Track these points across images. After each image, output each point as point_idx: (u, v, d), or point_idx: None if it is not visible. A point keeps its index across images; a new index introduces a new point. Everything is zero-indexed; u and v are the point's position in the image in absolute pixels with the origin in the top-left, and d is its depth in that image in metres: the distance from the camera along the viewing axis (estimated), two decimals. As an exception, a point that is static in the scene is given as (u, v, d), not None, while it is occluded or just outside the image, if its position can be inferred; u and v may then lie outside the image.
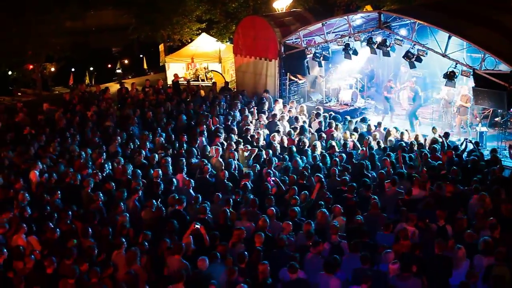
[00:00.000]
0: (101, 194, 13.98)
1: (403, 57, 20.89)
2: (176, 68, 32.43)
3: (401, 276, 10.21)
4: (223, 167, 16.25)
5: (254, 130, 19.41)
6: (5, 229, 12.58)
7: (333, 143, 17.75)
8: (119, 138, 18.12)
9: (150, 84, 26.14)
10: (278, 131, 18.91)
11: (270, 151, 16.96)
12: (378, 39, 21.59)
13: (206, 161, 16.31)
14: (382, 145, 17.89)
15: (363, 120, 20.98)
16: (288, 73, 25.06)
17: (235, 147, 17.47)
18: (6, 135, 19.05)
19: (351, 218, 12.74)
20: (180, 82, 28.12)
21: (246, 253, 11.11)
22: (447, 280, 10.74)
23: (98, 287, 10.40)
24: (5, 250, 11.54)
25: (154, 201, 13.56)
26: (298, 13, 27.83)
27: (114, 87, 28.34)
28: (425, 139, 18.70)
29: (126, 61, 46.75)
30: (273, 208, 13.07)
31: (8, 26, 33.01)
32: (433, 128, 19.11)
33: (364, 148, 17.47)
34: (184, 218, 13.10)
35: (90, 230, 12.29)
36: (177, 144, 18.12)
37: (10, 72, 37.19)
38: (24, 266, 11.23)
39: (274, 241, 11.84)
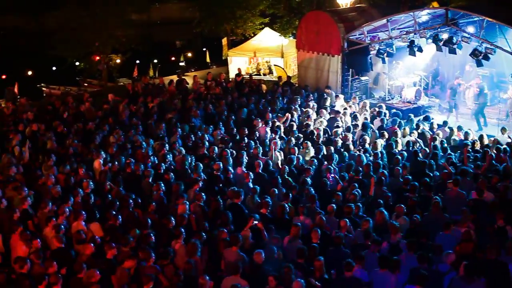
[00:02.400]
0: (162, 184, 14.19)
1: (470, 55, 20.39)
2: (238, 62, 32.55)
3: (464, 278, 9.97)
4: (283, 162, 16.25)
5: (315, 125, 19.30)
6: (66, 215, 12.94)
7: (397, 141, 17.48)
8: (179, 130, 18.34)
9: (212, 78, 26.33)
10: (338, 127, 18.75)
11: (331, 147, 16.85)
12: (445, 36, 21.14)
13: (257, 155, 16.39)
14: (445, 145, 17.49)
15: (426, 118, 20.59)
16: (350, 69, 24.81)
17: (295, 142, 17.41)
18: (73, 125, 19.53)
19: (411, 218, 12.53)
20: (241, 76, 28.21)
21: (305, 248, 11.09)
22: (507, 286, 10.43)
23: (155, 273, 10.54)
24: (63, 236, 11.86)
25: (203, 194, 13.70)
26: (363, 9, 27.50)
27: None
28: (493, 140, 18.11)
29: (189, 54, 47.18)
30: (333, 205, 12.98)
31: (79, 17, 33.91)
32: (503, 128, 18.55)
33: (426, 147, 17.14)
34: (241, 211, 13.15)
35: (149, 220, 12.48)
36: (238, 138, 18.19)
37: (77, 63, 38.12)
38: (84, 252, 11.50)
39: (330, 238, 11.79)
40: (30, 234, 12.03)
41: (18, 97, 26.92)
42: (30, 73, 41.46)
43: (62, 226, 12.22)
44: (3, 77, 39.27)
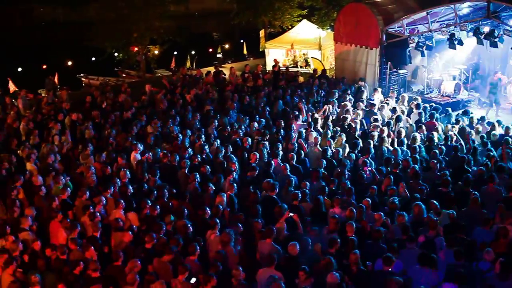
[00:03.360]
0: (197, 175, 14.27)
1: (512, 48, 20.01)
2: (275, 54, 32.50)
3: (500, 275, 9.80)
4: (319, 155, 16.19)
5: (351, 118, 19.17)
6: (103, 204, 13.11)
7: (434, 135, 17.24)
8: (216, 121, 18.40)
9: (249, 69, 26.34)
10: (376, 120, 18.58)
11: (368, 141, 16.70)
12: (486, 29, 20.76)
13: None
14: (485, 140, 17.19)
15: (466, 113, 20.24)
16: (388, 62, 24.54)
17: (331, 135, 17.32)
18: (111, 115, 19.75)
19: (447, 212, 12.36)
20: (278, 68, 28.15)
21: (338, 239, 11.04)
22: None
23: (194, 267, 10.62)
24: (99, 225, 12.01)
25: (235, 185, 13.72)
26: (402, 1, 27.07)
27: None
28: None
29: (226, 46, 47.29)
30: (368, 199, 12.89)
31: (118, 8, 34.27)
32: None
33: (464, 142, 16.88)
34: (275, 203, 13.13)
35: (185, 210, 12.56)
36: (274, 129, 18.17)
37: (116, 54, 38.54)
38: (122, 241, 11.63)
39: (366, 231, 11.70)
40: (70, 222, 12.23)
41: (58, 87, 27.36)
42: (70, 63, 42.07)
43: (98, 214, 12.38)
44: (44, 67, 39.91)
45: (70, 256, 11.17)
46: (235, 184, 13.86)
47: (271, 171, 14.91)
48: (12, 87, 27.84)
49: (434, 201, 12.57)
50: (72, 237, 11.61)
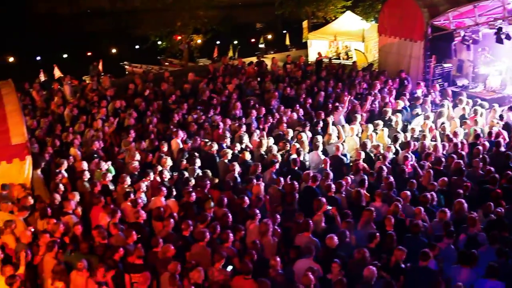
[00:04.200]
0: (237, 165, 14.32)
1: (562, 44, 19.49)
2: (318, 45, 32.35)
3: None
4: (359, 147, 16.09)
5: (393, 112, 18.96)
6: (143, 191, 13.27)
7: (477, 130, 16.94)
8: (254, 111, 18.43)
9: (292, 60, 26.27)
10: (418, 115, 18.35)
11: (409, 135, 16.53)
12: (535, 23, 20.27)
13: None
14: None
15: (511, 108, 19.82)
16: (433, 56, 24.16)
17: (373, 128, 17.17)
18: (153, 103, 19.96)
19: (493, 210, 12.14)
20: (321, 59, 28.02)
21: (377, 234, 10.98)
22: None
23: (231, 255, 10.68)
24: (142, 212, 12.16)
25: (281, 178, 13.69)
26: (449, -6, 26.68)
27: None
28: None
29: (269, 37, 47.20)
30: (408, 192, 12.76)
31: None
32: None
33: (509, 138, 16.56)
34: (316, 195, 13.12)
35: (225, 199, 12.62)
36: (314, 121, 18.10)
37: (159, 42, 38.85)
38: (163, 228, 11.77)
39: (405, 225, 11.61)
40: (112, 207, 12.43)
41: (102, 74, 27.73)
42: (114, 51, 42.58)
43: (140, 201, 12.54)
44: (89, 54, 40.49)
45: (111, 241, 11.36)
46: (275, 176, 13.85)
47: (309, 162, 14.90)
48: (57, 73, 28.37)
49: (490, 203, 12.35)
50: (113, 222, 11.80)
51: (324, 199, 12.28)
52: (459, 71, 25.17)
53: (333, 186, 13.03)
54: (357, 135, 16.94)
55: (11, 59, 39.89)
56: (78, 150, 15.96)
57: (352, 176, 14.04)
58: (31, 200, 13.07)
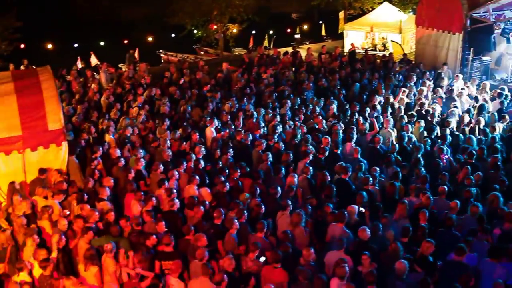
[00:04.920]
0: (270, 155, 14.31)
1: None
2: (354, 36, 32.09)
3: None
4: (393, 139, 15.95)
5: (429, 104, 18.73)
6: (176, 179, 13.34)
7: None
8: (289, 102, 18.37)
9: (327, 51, 26.11)
10: (455, 107, 18.09)
11: (445, 128, 16.31)
12: None
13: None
14: None
15: (551, 103, 19.39)
16: (471, 48, 23.77)
17: (407, 120, 16.97)
18: (187, 91, 20.05)
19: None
20: (357, 51, 27.79)
21: (410, 227, 10.88)
22: None
23: (264, 246, 10.70)
24: (176, 200, 12.23)
25: (311, 168, 13.63)
26: (489, -15, 26.19)
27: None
28: None
29: (305, 27, 46.93)
30: (444, 186, 12.60)
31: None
32: None
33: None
34: (348, 186, 13.04)
35: (257, 189, 12.63)
36: (349, 113, 17.98)
37: (195, 31, 38.97)
38: (195, 215, 11.84)
39: (439, 219, 11.48)
40: (144, 195, 12.53)
41: (138, 61, 27.96)
42: (150, 39, 42.84)
43: (174, 190, 12.62)
44: (125, 42, 40.82)
45: (144, 228, 11.47)
46: (310, 167, 13.83)
47: (343, 154, 14.82)
48: (94, 60, 28.70)
49: None
50: (147, 209, 11.90)
51: (363, 193, 12.20)
52: (498, 64, 24.74)
53: (370, 179, 12.92)
54: (392, 127, 16.75)
55: (49, 46, 40.44)
56: (113, 137, 16.13)
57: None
58: (66, 185, 13.28)
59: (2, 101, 14.02)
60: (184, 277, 10.55)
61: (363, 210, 11.98)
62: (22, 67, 24.25)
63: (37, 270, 10.50)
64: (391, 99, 18.83)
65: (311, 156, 14.35)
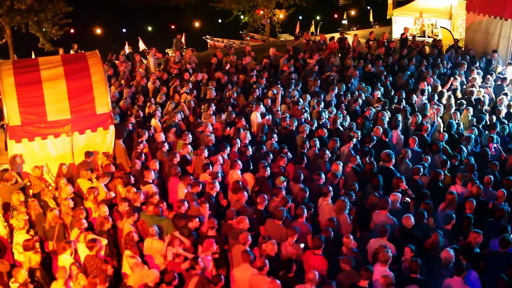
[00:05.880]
0: (317, 141, 14.26)
1: None
2: (403, 22, 31.53)
3: None
4: (441, 128, 15.70)
5: (479, 92, 18.34)
6: (220, 163, 13.41)
7: None
8: (336, 88, 18.25)
9: (375, 37, 25.79)
10: (506, 95, 17.67)
11: (495, 116, 15.97)
12: None
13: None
14: None
15: None
16: None
17: (456, 109, 16.67)
18: (233, 76, 20.09)
19: None
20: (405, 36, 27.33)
21: (453, 215, 10.73)
22: None
23: (304, 231, 10.69)
24: (217, 183, 12.29)
25: (358, 157, 13.54)
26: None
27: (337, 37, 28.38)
28: None
29: (352, 13, 46.47)
30: (491, 176, 12.36)
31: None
32: None
33: None
34: (392, 175, 12.90)
35: (301, 174, 12.59)
36: (395, 100, 17.75)
37: (242, 17, 38.92)
38: (237, 201, 11.90)
39: (487, 209, 11.28)
40: (192, 179, 12.64)
41: (185, 47, 28.10)
42: (197, 24, 43.00)
43: (219, 174, 12.70)
44: (172, 27, 41.07)
45: (188, 212, 11.58)
46: (353, 152, 13.72)
47: (389, 141, 14.68)
48: (141, 45, 28.97)
49: None
50: (191, 192, 12.01)
51: (403, 179, 12.06)
52: (552, 52, 24.03)
53: (421, 169, 12.75)
54: (440, 115, 16.47)
55: (98, 31, 41.00)
56: (159, 121, 16.30)
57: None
58: (113, 168, 13.51)
59: (52, 84, 14.28)
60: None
61: (409, 200, 11.82)
62: (71, 52, 24.65)
63: (82, 251, 10.73)
64: (439, 87, 18.50)
65: (354, 140, 14.24)
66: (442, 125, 16.05)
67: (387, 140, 14.77)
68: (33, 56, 23.86)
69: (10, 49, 26.75)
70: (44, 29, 26.85)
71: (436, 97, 17.59)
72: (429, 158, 13.55)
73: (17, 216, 11.61)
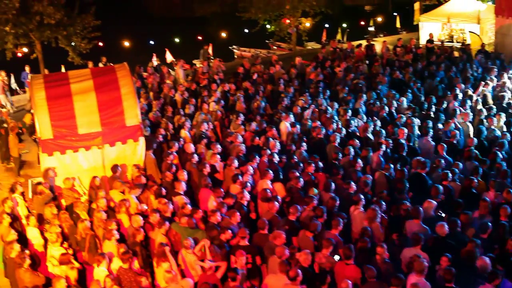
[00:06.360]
0: (352, 149, 14.20)
1: None
2: (430, 28, 31.31)
3: None
4: (471, 133, 15.51)
5: (510, 97, 18.10)
6: (250, 173, 13.39)
7: None
8: (364, 95, 18.15)
9: (402, 44, 25.64)
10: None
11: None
12: None
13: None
14: None
15: None
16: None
17: (487, 114, 16.45)
18: (261, 86, 20.11)
19: None
20: (434, 42, 27.14)
21: (490, 224, 10.57)
22: None
23: (337, 242, 10.63)
24: (246, 193, 12.29)
25: (391, 164, 13.44)
26: None
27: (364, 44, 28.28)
28: None
29: (379, 19, 46.26)
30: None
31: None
32: None
33: None
34: (425, 182, 12.76)
35: (332, 183, 12.53)
36: (425, 106, 17.59)
37: (268, 26, 39.01)
38: (269, 210, 11.86)
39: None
40: (222, 191, 12.65)
41: (212, 57, 28.26)
42: (223, 35, 43.22)
43: (248, 184, 12.69)
44: (199, 38, 41.33)
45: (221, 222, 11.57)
46: (382, 159, 13.62)
47: (419, 148, 14.55)
48: (169, 57, 29.19)
49: None
50: (222, 203, 12.01)
51: (441, 187, 11.93)
52: None
53: (449, 174, 12.61)
54: (470, 120, 16.28)
55: (126, 44, 41.44)
56: (188, 132, 16.37)
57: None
58: (144, 180, 13.59)
59: (83, 98, 14.43)
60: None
61: (443, 215, 11.63)
62: (100, 64, 24.95)
63: (115, 263, 10.80)
64: (470, 92, 18.30)
65: (384, 147, 14.14)
66: (472, 130, 15.84)
67: (415, 146, 14.62)
68: (63, 70, 24.16)
69: (40, 64, 27.23)
70: (73, 43, 27.29)
71: (467, 103, 17.37)
72: (460, 164, 13.37)
73: (49, 229, 11.73)
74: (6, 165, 18.87)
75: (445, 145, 14.28)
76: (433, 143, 14.86)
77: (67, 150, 14.25)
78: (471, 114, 16.47)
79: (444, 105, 17.49)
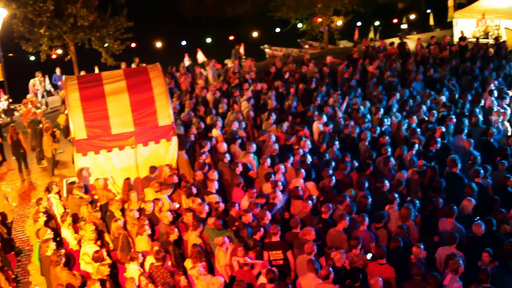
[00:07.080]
0: (389, 149, 14.06)
1: None
2: (464, 24, 30.87)
3: None
4: (509, 132, 15.23)
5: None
6: (282, 172, 13.34)
7: None
8: (398, 94, 17.97)
9: (436, 41, 25.32)
10: None
11: None
12: None
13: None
14: None
15: None
16: None
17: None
18: (293, 85, 20.05)
19: None
20: (469, 39, 26.75)
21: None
22: None
23: (367, 239, 10.52)
24: (278, 192, 12.24)
25: (425, 161, 13.27)
26: None
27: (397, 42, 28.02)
28: None
29: (412, 17, 45.75)
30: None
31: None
32: None
33: None
34: (460, 180, 12.56)
35: (366, 182, 12.43)
36: (460, 104, 17.34)
37: (299, 25, 38.94)
38: (302, 209, 11.81)
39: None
40: (255, 191, 12.63)
41: (244, 57, 28.29)
42: (255, 34, 43.27)
43: (279, 183, 12.64)
44: (231, 38, 41.43)
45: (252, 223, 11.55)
46: (415, 158, 13.46)
47: (453, 146, 14.34)
48: (201, 57, 29.30)
49: None
50: (254, 202, 11.99)
51: (473, 184, 11.74)
52: None
53: (481, 171, 12.40)
54: (508, 119, 16.00)
55: (158, 44, 41.73)
56: (220, 131, 16.39)
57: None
58: (176, 179, 13.66)
59: (116, 98, 14.57)
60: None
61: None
62: (133, 65, 25.17)
63: (148, 260, 10.87)
64: (505, 89, 17.97)
65: (417, 146, 13.98)
66: (510, 129, 15.55)
67: (449, 144, 14.42)
68: (96, 71, 24.45)
69: (74, 65, 27.64)
70: (106, 44, 27.63)
71: (504, 100, 17.06)
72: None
73: (84, 227, 11.86)
74: (41, 165, 19.19)
75: (471, 141, 14.08)
76: (470, 140, 14.59)
77: (101, 150, 14.42)
78: (508, 112, 16.16)
79: (481, 103, 17.18)
